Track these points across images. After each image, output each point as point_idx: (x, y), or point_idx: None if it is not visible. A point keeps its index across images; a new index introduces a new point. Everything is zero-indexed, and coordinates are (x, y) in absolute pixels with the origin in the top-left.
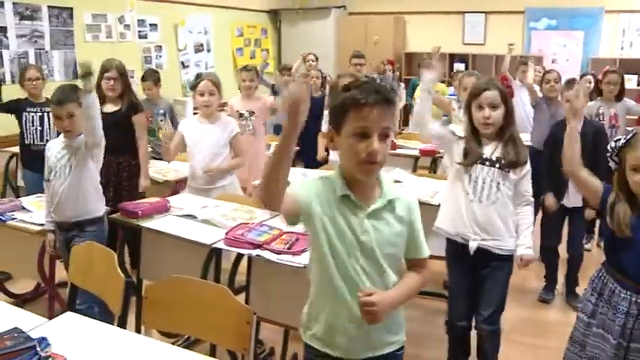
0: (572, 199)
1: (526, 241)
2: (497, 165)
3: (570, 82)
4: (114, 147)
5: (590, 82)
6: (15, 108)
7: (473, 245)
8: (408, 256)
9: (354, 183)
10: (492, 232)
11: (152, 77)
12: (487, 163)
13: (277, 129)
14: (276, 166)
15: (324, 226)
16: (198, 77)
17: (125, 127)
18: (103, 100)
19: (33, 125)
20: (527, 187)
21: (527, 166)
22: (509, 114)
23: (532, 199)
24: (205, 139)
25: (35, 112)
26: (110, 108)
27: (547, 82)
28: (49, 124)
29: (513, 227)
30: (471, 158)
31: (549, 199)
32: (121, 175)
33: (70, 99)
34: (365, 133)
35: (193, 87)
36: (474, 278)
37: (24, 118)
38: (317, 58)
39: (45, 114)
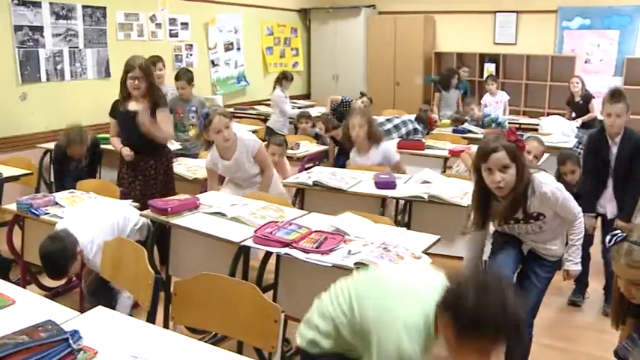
0: (610, 211)
1: (574, 256)
2: (532, 220)
3: (616, 95)
4: (138, 147)
5: None
6: None
7: (525, 249)
8: None
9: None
10: (544, 247)
11: (185, 77)
12: (521, 221)
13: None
14: None
15: None
16: (207, 116)
17: None
18: (128, 97)
19: None
20: (569, 211)
21: (559, 198)
22: (520, 171)
23: (579, 214)
24: (237, 169)
25: None
26: (134, 106)
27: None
28: None
29: (564, 237)
30: (498, 221)
31: (589, 221)
32: (147, 175)
33: (63, 269)
34: None
35: (206, 126)
36: (519, 253)
37: None
38: (371, 101)
39: None
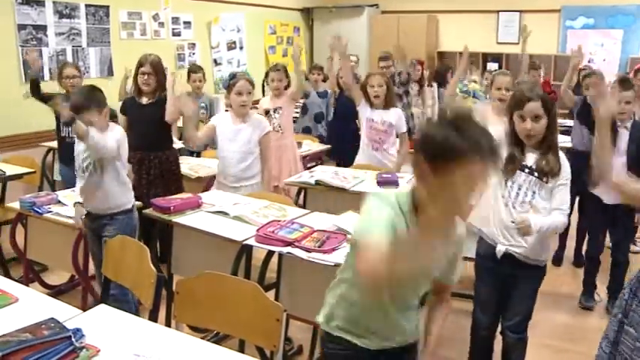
0: (613, 195)
1: (538, 220)
2: (536, 174)
3: (625, 82)
4: (146, 142)
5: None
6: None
7: (500, 249)
8: (439, 279)
9: (421, 212)
10: (521, 239)
11: (201, 70)
12: (527, 170)
13: (318, 117)
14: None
15: None
16: (234, 77)
17: (157, 122)
18: (139, 93)
19: None
20: (564, 198)
21: (565, 177)
22: (551, 123)
23: (567, 211)
24: (238, 139)
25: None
26: (145, 101)
27: (587, 89)
28: None
29: (545, 238)
30: (514, 166)
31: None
32: (154, 172)
33: (86, 107)
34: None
35: (229, 86)
36: (501, 287)
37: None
38: (358, 60)
39: None
